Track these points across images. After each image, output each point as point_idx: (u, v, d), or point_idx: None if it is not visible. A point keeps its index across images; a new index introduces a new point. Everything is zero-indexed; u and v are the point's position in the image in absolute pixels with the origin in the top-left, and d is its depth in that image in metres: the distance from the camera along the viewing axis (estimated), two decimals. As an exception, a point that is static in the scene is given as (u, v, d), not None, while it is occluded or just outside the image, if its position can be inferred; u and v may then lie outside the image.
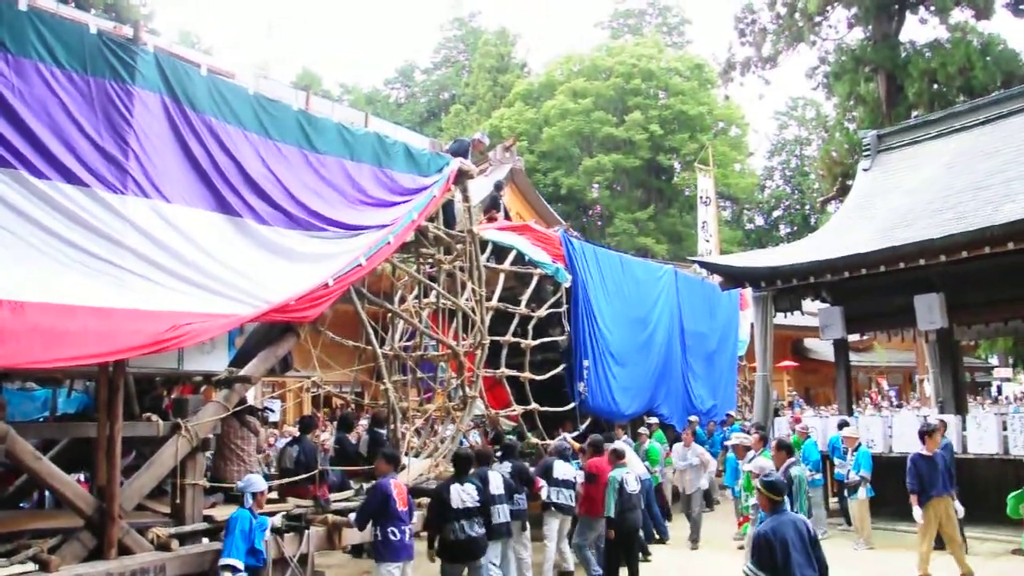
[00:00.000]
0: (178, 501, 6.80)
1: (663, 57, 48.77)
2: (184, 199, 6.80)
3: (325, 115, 8.31)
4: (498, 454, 9.14)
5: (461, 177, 9.95)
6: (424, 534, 8.05)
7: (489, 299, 10.90)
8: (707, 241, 28.22)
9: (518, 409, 11.30)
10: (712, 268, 16.49)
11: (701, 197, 29.12)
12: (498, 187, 14.06)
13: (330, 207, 8.07)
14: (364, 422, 10.53)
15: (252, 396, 8.78)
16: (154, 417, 6.77)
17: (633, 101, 45.75)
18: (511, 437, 10.57)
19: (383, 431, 9.24)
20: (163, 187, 6.60)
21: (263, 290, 7.17)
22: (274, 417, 17.51)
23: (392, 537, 6.99)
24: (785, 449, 8.75)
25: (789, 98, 56.36)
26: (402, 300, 11.08)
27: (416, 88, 63.78)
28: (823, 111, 46.27)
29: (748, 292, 16.07)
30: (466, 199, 10.22)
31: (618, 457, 9.44)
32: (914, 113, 25.49)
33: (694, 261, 18.62)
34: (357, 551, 9.65)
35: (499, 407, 11.85)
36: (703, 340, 15.97)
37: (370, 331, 8.35)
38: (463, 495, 7.59)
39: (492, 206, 13.25)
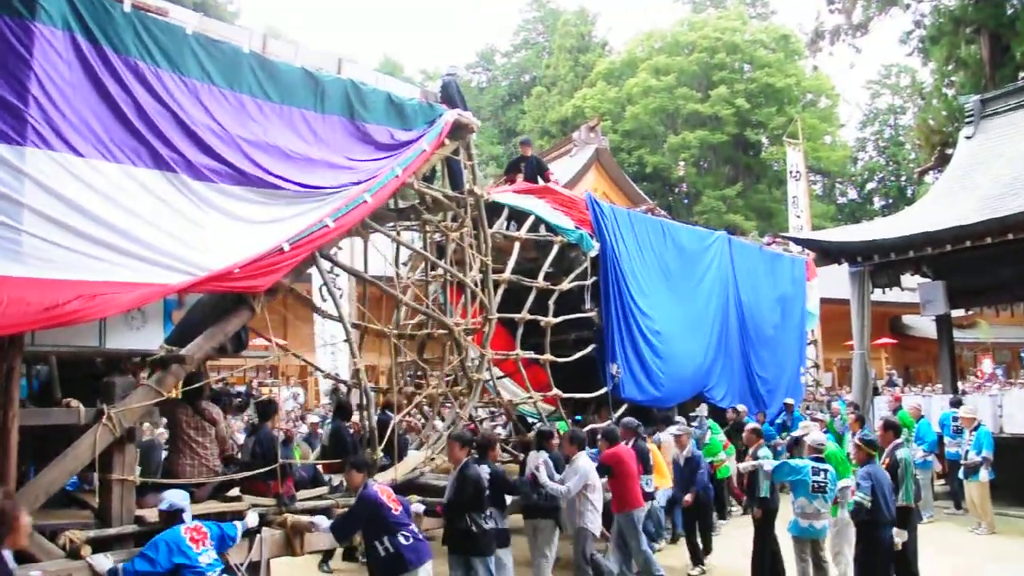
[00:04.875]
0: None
1: (747, 29, 47.97)
2: (102, 152, 5.87)
3: (286, 59, 7.29)
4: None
5: (460, 130, 8.81)
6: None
7: (503, 271, 9.75)
8: (798, 217, 26.97)
9: (535, 396, 10.10)
10: (805, 244, 16.38)
11: (791, 172, 27.90)
12: (526, 143, 12.74)
13: (290, 164, 7.07)
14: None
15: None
16: (74, 403, 5.89)
17: (718, 76, 45.12)
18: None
19: (391, 415, 8.17)
20: (73, 139, 5.68)
21: (201, 256, 6.24)
22: (290, 404, 16.88)
23: (406, 542, 5.92)
24: (892, 429, 8.11)
25: (882, 66, 53.55)
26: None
27: (497, 72, 63.91)
28: (919, 78, 44.48)
29: (814, 260, 15.09)
30: (469, 157, 9.06)
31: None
32: (1021, 75, 23.88)
33: (785, 237, 18.35)
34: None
35: (538, 390, 10.69)
36: (763, 314, 14.38)
37: (338, 304, 7.28)
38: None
39: (514, 167, 11.97)
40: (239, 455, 7.30)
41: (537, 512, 7.79)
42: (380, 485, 6.28)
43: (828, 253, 15.38)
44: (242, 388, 18.51)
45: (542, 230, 10.65)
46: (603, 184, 25.93)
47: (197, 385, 6.71)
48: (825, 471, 7.90)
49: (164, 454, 7.25)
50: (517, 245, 10.12)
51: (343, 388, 10.50)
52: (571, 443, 7.93)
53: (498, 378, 11.07)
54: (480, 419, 11.65)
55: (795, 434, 9.27)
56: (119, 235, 5.80)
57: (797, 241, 16.98)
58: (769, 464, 8.43)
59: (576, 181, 24.10)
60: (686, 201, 48.39)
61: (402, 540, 5.84)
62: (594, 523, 7.90)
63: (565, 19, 56.55)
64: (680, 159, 46.14)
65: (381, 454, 7.37)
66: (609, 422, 9.90)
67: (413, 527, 6.06)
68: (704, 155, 46.78)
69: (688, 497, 9.67)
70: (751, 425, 9.90)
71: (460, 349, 8.57)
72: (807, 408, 16.19)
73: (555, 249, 10.38)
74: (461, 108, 8.92)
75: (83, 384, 6.48)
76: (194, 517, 5.83)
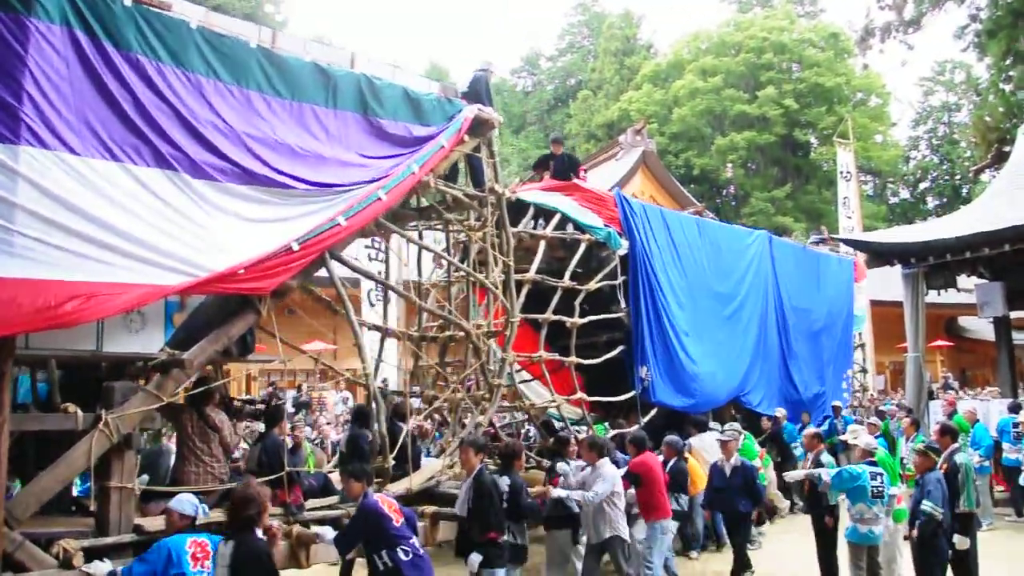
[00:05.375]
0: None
1: (795, 28, 47.21)
2: (100, 151, 5.70)
3: (296, 54, 7.07)
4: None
5: (481, 126, 8.51)
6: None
7: (528, 271, 9.43)
8: (849, 218, 26.41)
9: (559, 399, 9.74)
10: (856, 245, 16.20)
11: (841, 172, 27.39)
12: (556, 140, 12.35)
13: (300, 161, 6.85)
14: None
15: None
16: (72, 408, 5.72)
17: (765, 76, 44.54)
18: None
19: (403, 425, 7.91)
20: (69, 137, 5.51)
21: (202, 256, 6.04)
22: (339, 408, 16.72)
23: (405, 557, 5.61)
24: (950, 434, 8.03)
25: (935, 62, 51.63)
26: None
27: (542, 76, 63.78)
28: (974, 73, 42.71)
29: (862, 261, 14.56)
30: (491, 154, 8.76)
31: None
32: (1083, 68, 22.70)
33: (836, 238, 18.02)
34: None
35: (566, 394, 10.36)
36: (806, 316, 13.85)
37: (348, 305, 7.03)
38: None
39: (542, 164, 11.61)
40: (242, 464, 7.10)
41: (552, 522, 7.44)
42: (382, 495, 6.00)
43: (880, 255, 15.20)
44: (292, 392, 18.57)
45: (570, 229, 10.30)
46: (650, 187, 25.77)
47: (202, 389, 6.53)
48: (880, 475, 7.65)
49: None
50: (543, 244, 9.79)
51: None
52: (590, 449, 7.57)
53: (526, 381, 10.79)
54: (502, 424, 11.31)
55: (843, 438, 9.14)
56: (116, 235, 5.62)
57: (848, 242, 16.74)
58: (827, 473, 8.02)
59: (623, 184, 23.69)
60: (734, 203, 47.67)
61: (401, 555, 5.54)
62: (626, 531, 7.54)
63: (610, 22, 56.21)
64: (728, 161, 45.59)
65: (393, 462, 7.09)
66: (637, 427, 9.53)
67: (414, 541, 5.76)
68: (752, 156, 46.11)
69: (754, 514, 9.17)
70: (811, 430, 9.61)
71: (478, 352, 8.26)
72: (853, 413, 15.56)
73: (582, 248, 10.01)
74: (486, 104, 8.60)
75: (86, 389, 6.35)
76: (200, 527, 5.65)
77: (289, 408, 17.69)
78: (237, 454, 7.84)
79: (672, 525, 8.29)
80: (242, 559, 4.54)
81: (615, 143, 27.96)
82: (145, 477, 7.00)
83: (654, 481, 7.88)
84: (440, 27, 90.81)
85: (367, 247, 14.25)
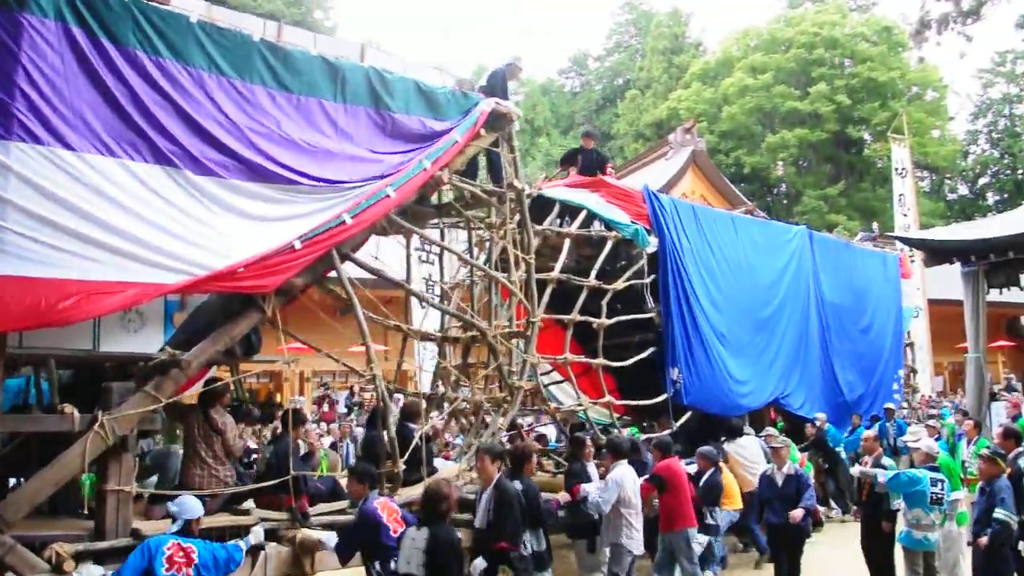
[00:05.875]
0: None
1: (847, 23, 45.88)
2: (96, 146, 5.61)
3: (303, 48, 6.90)
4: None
5: (499, 120, 8.25)
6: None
7: (553, 269, 9.14)
8: (905, 215, 25.67)
9: (584, 402, 9.41)
10: (913, 244, 16.12)
11: (896, 168, 26.63)
12: (587, 135, 11.98)
13: (307, 157, 6.68)
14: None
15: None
16: (68, 408, 5.61)
17: (817, 72, 43.47)
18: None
19: (413, 427, 7.67)
20: (64, 132, 5.44)
21: (202, 254, 5.92)
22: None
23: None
24: (1013, 437, 7.94)
25: (995, 53, 49.73)
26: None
27: (590, 76, 63.31)
28: None
29: (908, 257, 14.01)
30: (511, 149, 8.49)
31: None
32: None
33: (891, 237, 17.80)
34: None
35: (597, 397, 10.04)
36: (851, 315, 13.25)
37: (356, 303, 6.83)
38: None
39: (569, 159, 11.28)
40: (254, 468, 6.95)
41: (570, 531, 7.13)
42: (385, 500, 5.76)
43: (939, 253, 14.96)
44: (344, 394, 18.56)
45: (598, 226, 9.98)
46: (700, 187, 25.39)
47: (207, 389, 6.40)
48: (942, 482, 7.44)
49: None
50: (567, 242, 9.48)
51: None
52: (609, 452, 7.22)
53: (557, 383, 10.51)
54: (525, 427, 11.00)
55: (904, 439, 8.91)
56: (111, 232, 5.52)
57: (905, 241, 16.48)
58: (883, 474, 7.74)
59: (673, 184, 23.68)
60: (785, 202, 46.81)
61: (394, 568, 5.30)
62: (631, 540, 7.18)
63: (658, 20, 55.63)
64: (779, 159, 44.82)
65: (404, 466, 6.85)
66: (668, 431, 9.15)
67: None
68: (804, 154, 45.20)
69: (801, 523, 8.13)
70: (869, 433, 9.19)
71: (496, 354, 8.00)
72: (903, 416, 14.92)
73: (608, 245, 9.68)
74: (501, 97, 8.34)
75: (91, 390, 6.26)
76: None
77: (341, 408, 17.70)
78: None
79: (701, 538, 7.89)
80: (438, 544, 4.97)
81: (664, 142, 27.60)
82: (154, 478, 6.91)
83: (679, 486, 7.52)
84: (487, 30, 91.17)
85: (416, 249, 14.07)
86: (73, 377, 6.94)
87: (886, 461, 8.26)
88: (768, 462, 9.33)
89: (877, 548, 8.00)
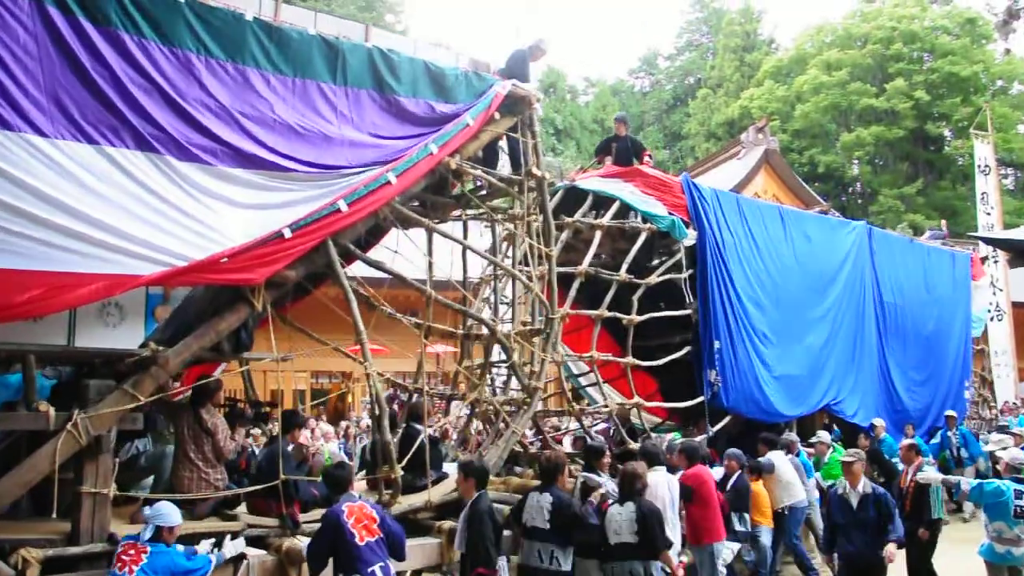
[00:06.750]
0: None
1: (927, 15, 44.10)
2: (73, 132, 5.34)
3: (302, 27, 6.54)
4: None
5: (518, 104, 7.76)
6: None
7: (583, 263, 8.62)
8: (988, 214, 24.16)
9: (612, 403, 8.83)
10: (997, 244, 15.88)
11: (979, 166, 25.15)
12: (620, 120, 11.31)
13: (303, 142, 6.35)
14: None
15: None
16: (44, 406, 5.34)
17: (894, 68, 41.93)
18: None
19: (419, 427, 7.23)
20: (36, 118, 5.18)
21: (183, 244, 5.59)
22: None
23: None
24: None
25: (1088, 43, 47.22)
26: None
27: (660, 75, 62.36)
28: None
29: (979, 256, 13.06)
30: (532, 135, 7.99)
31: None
32: None
33: (974, 237, 17.52)
34: None
35: (645, 398, 9.50)
36: (913, 317, 12.37)
37: (352, 299, 6.42)
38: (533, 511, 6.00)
39: (604, 149, 10.67)
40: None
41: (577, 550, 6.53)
42: (359, 503, 5.26)
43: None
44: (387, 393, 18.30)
45: (634, 218, 9.41)
46: (773, 186, 24.99)
47: (200, 383, 6.07)
48: None
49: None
50: (598, 234, 8.93)
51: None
52: (641, 458, 6.64)
53: (592, 385, 9.97)
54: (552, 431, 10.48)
55: (988, 448, 8.52)
56: (82, 221, 5.23)
57: (988, 241, 15.95)
58: (966, 482, 7.36)
59: (745, 184, 23.27)
60: (860, 201, 45.56)
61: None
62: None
63: (729, 18, 54.60)
64: (854, 157, 43.60)
65: (402, 472, 6.42)
66: (704, 437, 8.54)
67: (384, 565, 5.02)
68: (880, 152, 43.79)
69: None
70: (908, 441, 8.76)
71: (507, 352, 7.51)
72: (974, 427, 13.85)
73: (642, 238, 9.08)
74: (520, 80, 7.85)
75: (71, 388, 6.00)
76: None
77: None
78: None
79: (733, 546, 7.26)
80: (644, 514, 5.90)
81: (736, 142, 27.21)
82: (149, 480, 6.63)
83: (707, 496, 6.91)
84: (557, 31, 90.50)
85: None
86: (71, 374, 6.72)
87: (932, 474, 7.95)
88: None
89: (914, 554, 7.76)
